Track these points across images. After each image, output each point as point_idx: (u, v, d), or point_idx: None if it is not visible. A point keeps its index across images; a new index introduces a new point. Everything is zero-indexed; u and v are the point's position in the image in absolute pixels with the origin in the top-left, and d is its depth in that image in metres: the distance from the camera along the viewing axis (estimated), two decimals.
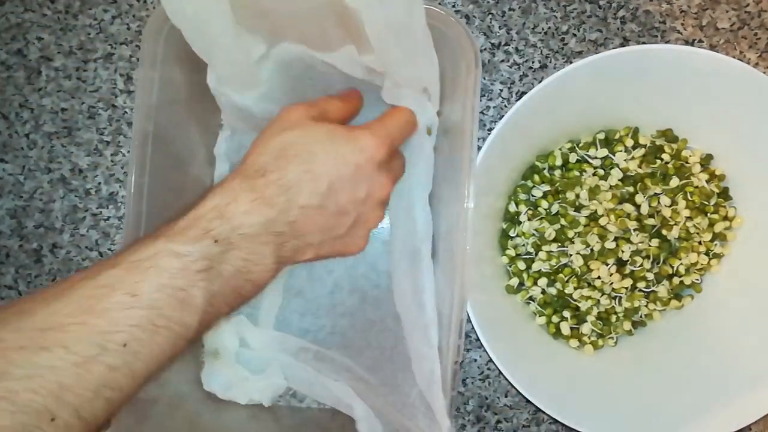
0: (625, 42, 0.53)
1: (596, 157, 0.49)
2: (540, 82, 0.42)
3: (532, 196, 0.49)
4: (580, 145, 0.49)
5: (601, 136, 0.49)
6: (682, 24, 0.53)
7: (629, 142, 0.49)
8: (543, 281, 0.49)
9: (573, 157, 0.49)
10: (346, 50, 0.42)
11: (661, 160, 0.49)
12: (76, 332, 0.27)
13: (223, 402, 0.49)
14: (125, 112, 0.53)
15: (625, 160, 0.49)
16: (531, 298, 0.50)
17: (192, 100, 0.47)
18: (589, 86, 0.44)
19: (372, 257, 0.50)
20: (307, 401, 0.51)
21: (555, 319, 0.49)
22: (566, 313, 0.49)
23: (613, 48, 0.53)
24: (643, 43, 0.53)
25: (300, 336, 0.50)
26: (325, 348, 0.49)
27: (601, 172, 0.49)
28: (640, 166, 0.48)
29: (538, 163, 0.49)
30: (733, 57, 0.43)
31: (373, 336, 0.49)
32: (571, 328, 0.49)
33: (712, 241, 0.49)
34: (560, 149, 0.50)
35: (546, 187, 0.49)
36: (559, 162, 0.49)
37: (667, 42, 0.53)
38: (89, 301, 0.28)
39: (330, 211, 0.37)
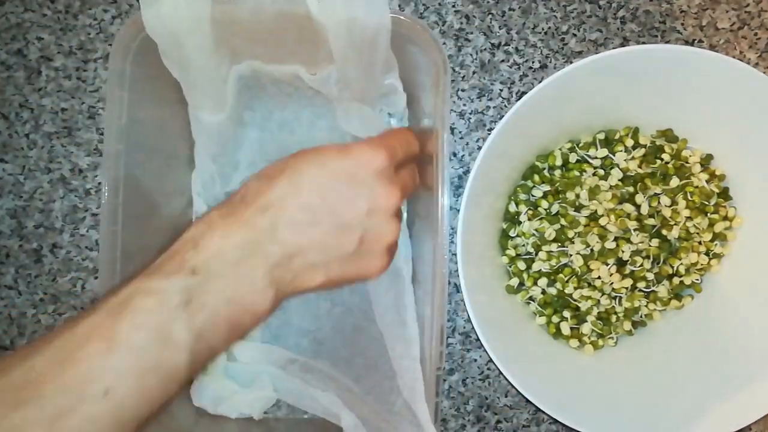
0: (625, 42, 0.53)
1: (596, 157, 0.49)
2: (540, 82, 0.42)
3: (532, 196, 0.49)
4: (580, 145, 0.49)
5: (601, 136, 0.49)
6: (682, 24, 0.53)
7: (629, 142, 0.49)
8: (543, 281, 0.49)
9: (573, 157, 0.49)
10: (295, 69, 0.43)
11: (661, 160, 0.49)
12: (52, 384, 0.26)
13: (214, 417, 0.49)
14: None
15: (625, 160, 0.49)
16: (531, 298, 0.50)
17: (166, 115, 0.47)
18: (589, 86, 0.44)
19: None
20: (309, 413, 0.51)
21: (555, 319, 0.49)
22: (566, 313, 0.49)
23: (613, 48, 0.53)
24: (643, 43, 0.53)
25: (300, 335, 0.50)
26: (312, 359, 0.49)
27: (601, 172, 0.49)
28: (640, 166, 0.48)
29: (538, 163, 0.49)
30: (733, 57, 0.43)
31: (363, 341, 0.49)
32: (571, 328, 0.49)
33: (712, 241, 0.49)
34: (560, 149, 0.50)
35: (546, 187, 0.49)
36: (559, 162, 0.49)
37: (667, 42, 0.53)
38: (65, 351, 0.27)
39: (328, 227, 0.34)
